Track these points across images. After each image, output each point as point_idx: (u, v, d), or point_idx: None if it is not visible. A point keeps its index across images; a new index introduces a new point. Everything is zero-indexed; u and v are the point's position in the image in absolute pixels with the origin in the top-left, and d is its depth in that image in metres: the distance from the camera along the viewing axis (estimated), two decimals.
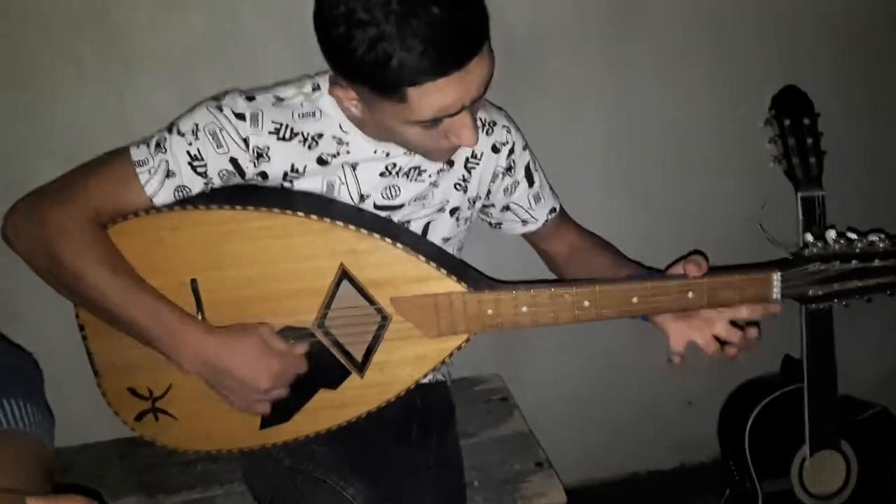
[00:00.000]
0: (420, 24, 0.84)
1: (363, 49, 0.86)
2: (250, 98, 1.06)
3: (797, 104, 1.28)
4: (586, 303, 1.02)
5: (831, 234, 1.02)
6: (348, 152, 1.09)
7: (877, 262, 1.01)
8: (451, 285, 1.05)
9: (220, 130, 1.03)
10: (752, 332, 1.06)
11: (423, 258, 1.04)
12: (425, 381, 1.28)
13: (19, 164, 1.31)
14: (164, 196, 1.03)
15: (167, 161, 1.03)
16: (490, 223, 1.31)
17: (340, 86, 0.98)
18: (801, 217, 1.26)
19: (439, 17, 0.84)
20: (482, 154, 1.16)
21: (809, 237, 1.02)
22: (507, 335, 1.68)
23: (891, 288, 1.02)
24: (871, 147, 1.75)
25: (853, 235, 1.02)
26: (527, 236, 1.32)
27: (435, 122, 0.94)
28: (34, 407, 1.11)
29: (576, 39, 1.51)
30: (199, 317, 1.05)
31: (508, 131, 1.18)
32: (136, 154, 1.04)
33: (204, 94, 1.12)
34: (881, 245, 1.01)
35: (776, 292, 1.01)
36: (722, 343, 1.07)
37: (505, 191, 1.22)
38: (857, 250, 1.01)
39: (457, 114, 0.93)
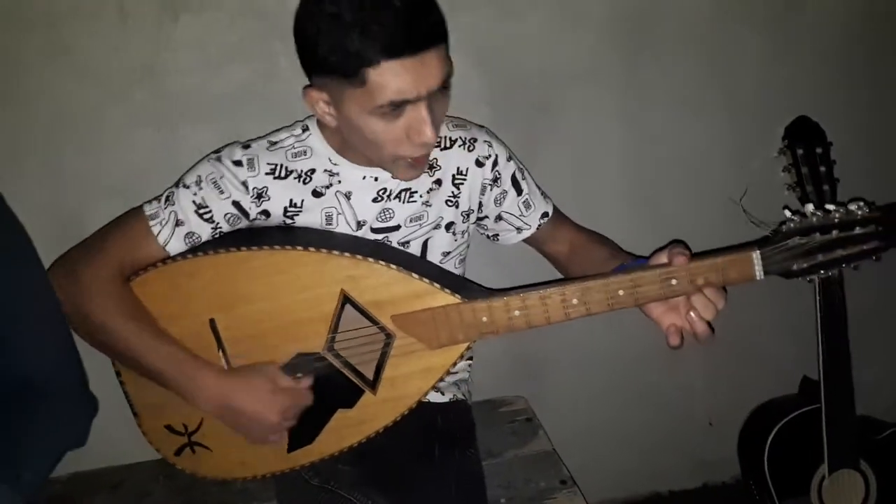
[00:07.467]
0: (380, 12, 0.93)
1: (329, 37, 0.96)
2: (246, 146, 1.16)
3: (809, 134, 1.30)
4: (574, 300, 1.06)
5: (809, 208, 1.03)
6: (339, 182, 1.17)
7: (858, 230, 1.01)
8: (446, 298, 1.10)
9: (221, 178, 1.13)
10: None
11: (416, 276, 1.10)
12: (445, 400, 1.34)
13: (77, 200, 1.45)
14: (175, 244, 1.13)
15: (176, 212, 1.12)
16: (488, 236, 1.37)
17: (314, 90, 1.06)
18: None
19: (398, 7, 0.94)
20: (467, 169, 1.23)
21: (787, 213, 1.04)
22: (530, 358, 1.76)
23: (874, 253, 1.02)
24: (883, 172, 1.76)
25: (831, 206, 1.02)
26: (527, 242, 1.36)
27: (395, 108, 1.00)
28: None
29: (590, 71, 1.57)
30: (221, 353, 1.14)
31: (490, 145, 1.24)
32: (149, 209, 1.14)
33: (245, 135, 1.23)
34: (859, 212, 1.01)
35: (758, 270, 1.02)
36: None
37: (495, 201, 1.27)
38: (836, 220, 1.01)
39: (416, 102, 1.00)
